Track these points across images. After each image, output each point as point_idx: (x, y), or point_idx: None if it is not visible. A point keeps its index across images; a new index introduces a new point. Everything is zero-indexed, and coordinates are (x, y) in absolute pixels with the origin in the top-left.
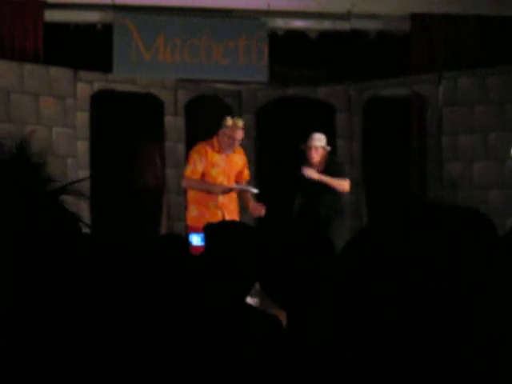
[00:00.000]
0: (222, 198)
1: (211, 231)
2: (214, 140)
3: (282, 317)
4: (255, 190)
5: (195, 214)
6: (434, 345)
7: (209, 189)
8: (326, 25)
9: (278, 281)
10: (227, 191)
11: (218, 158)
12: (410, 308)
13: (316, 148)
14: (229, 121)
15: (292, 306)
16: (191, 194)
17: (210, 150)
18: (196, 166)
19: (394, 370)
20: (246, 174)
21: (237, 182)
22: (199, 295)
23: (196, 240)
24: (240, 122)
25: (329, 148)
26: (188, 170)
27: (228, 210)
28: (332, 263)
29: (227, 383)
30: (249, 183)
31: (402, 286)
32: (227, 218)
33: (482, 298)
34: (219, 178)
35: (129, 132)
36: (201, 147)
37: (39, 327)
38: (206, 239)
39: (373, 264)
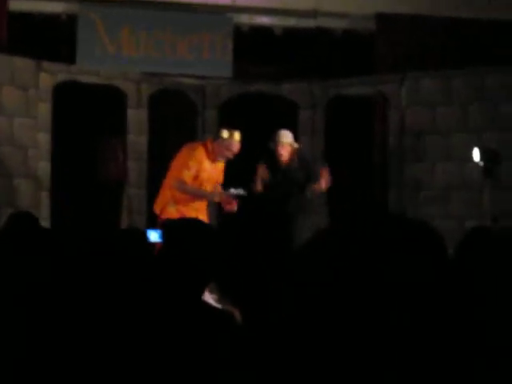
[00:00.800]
0: (199, 203)
1: (170, 228)
2: (209, 146)
3: (237, 314)
4: (244, 192)
5: (173, 210)
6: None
7: (205, 196)
8: (291, 22)
9: (233, 278)
10: (222, 197)
11: (208, 165)
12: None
13: (283, 145)
14: (225, 133)
15: (247, 302)
16: (173, 194)
17: (205, 158)
18: (191, 171)
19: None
20: (221, 178)
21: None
22: (156, 292)
23: (154, 236)
24: (237, 135)
25: (296, 145)
26: (185, 175)
27: (203, 212)
28: (288, 262)
29: (182, 382)
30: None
31: (350, 288)
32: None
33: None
34: (207, 184)
35: (91, 124)
36: (198, 154)
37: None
38: (165, 236)
39: (328, 267)
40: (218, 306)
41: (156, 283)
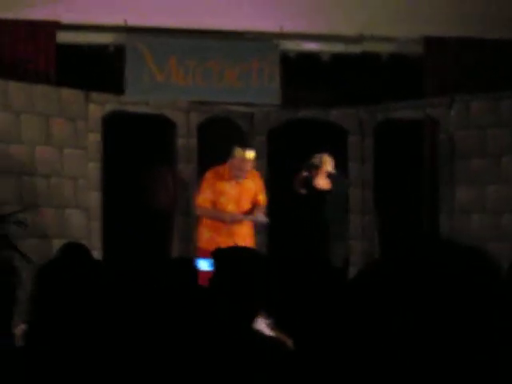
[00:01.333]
0: (234, 226)
1: (220, 256)
2: (225, 168)
3: (290, 344)
4: (265, 220)
5: (207, 236)
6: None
7: (219, 217)
8: (338, 47)
9: (285, 308)
10: (237, 221)
11: (228, 186)
12: (416, 342)
13: (322, 169)
14: (238, 152)
15: (299, 332)
16: (205, 221)
17: (217, 179)
18: (205, 195)
19: None
20: (262, 199)
21: (254, 207)
22: (207, 321)
23: (204, 265)
24: (250, 155)
25: (332, 171)
26: (199, 199)
27: (240, 234)
28: (339, 292)
29: None
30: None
31: (408, 319)
32: (239, 243)
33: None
34: (229, 206)
35: (141, 153)
36: (209, 176)
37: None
38: (215, 264)
39: (381, 298)
40: (271, 333)
41: (206, 312)
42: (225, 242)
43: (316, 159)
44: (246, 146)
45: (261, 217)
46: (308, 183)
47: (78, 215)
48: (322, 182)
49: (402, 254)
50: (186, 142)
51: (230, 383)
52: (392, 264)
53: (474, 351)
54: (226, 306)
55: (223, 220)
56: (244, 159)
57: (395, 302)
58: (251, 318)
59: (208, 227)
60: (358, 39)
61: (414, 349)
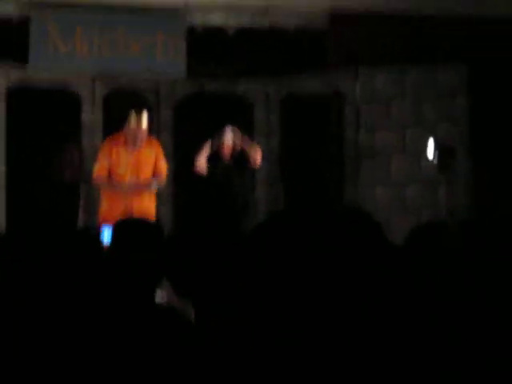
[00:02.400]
0: (132, 197)
1: (118, 227)
2: (120, 135)
3: (190, 311)
4: (155, 187)
5: (105, 208)
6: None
7: (114, 186)
8: (245, 20)
9: (185, 275)
10: (132, 189)
11: (124, 154)
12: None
13: (228, 144)
14: (132, 120)
15: (199, 299)
16: (103, 190)
17: (114, 147)
18: (102, 164)
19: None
20: (160, 165)
21: (154, 176)
22: (107, 291)
23: (108, 235)
24: (143, 122)
25: (239, 143)
26: (95, 169)
27: (139, 205)
28: (238, 248)
29: (135, 381)
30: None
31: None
32: (137, 214)
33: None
34: (127, 175)
35: (46, 126)
36: (105, 145)
37: None
38: (113, 235)
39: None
40: (169, 303)
41: (106, 283)
42: (123, 213)
43: (220, 133)
44: (142, 110)
45: (155, 184)
46: (214, 157)
47: None
48: (228, 155)
49: (300, 211)
50: (91, 114)
51: (134, 356)
52: (288, 218)
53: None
54: (125, 277)
55: (118, 189)
56: (139, 128)
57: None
58: (152, 289)
59: (106, 198)
60: (264, 12)
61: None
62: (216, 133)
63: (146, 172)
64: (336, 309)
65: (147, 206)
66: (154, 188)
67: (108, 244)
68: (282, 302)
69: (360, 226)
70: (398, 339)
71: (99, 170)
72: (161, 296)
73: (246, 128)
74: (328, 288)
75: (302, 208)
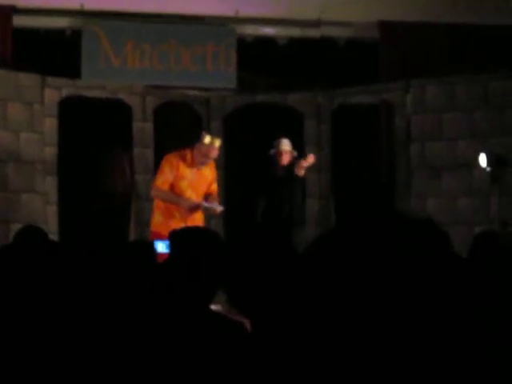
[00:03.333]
0: (186, 211)
1: (176, 237)
2: (188, 153)
3: (247, 323)
4: (220, 208)
5: (160, 220)
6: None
7: (177, 202)
8: (295, 32)
9: (242, 287)
10: (194, 208)
11: (188, 172)
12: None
13: (286, 152)
14: (207, 138)
15: (256, 312)
16: (158, 202)
17: (181, 163)
18: (166, 177)
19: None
20: (214, 187)
21: (206, 195)
22: (165, 302)
23: (161, 247)
24: (218, 142)
25: (296, 153)
26: (159, 181)
27: (192, 220)
28: (295, 269)
29: None
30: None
31: (361, 289)
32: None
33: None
34: (187, 191)
35: (97, 138)
36: (173, 158)
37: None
38: (171, 245)
39: (332, 266)
40: (228, 314)
41: (164, 293)
42: (177, 225)
43: (275, 143)
44: (204, 130)
45: (216, 205)
46: (271, 168)
47: (35, 200)
48: (285, 160)
49: (354, 227)
50: (141, 126)
51: (189, 364)
52: (344, 234)
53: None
54: (183, 287)
55: (180, 204)
56: (212, 146)
57: (349, 273)
58: (209, 299)
59: (160, 210)
60: (315, 24)
61: (369, 319)
62: (269, 143)
63: (203, 191)
64: (402, 324)
65: (198, 219)
66: (217, 209)
67: (162, 255)
68: (342, 315)
69: (430, 237)
70: (464, 350)
71: (163, 183)
72: (217, 308)
73: (297, 139)
74: (394, 302)
75: (361, 220)
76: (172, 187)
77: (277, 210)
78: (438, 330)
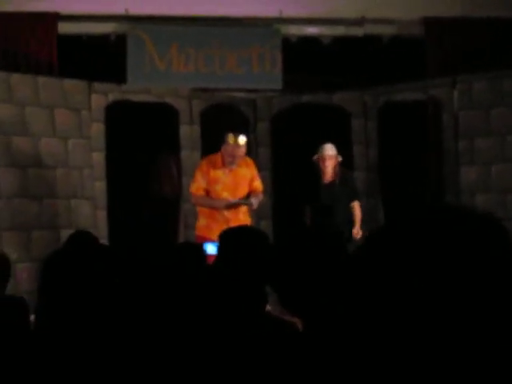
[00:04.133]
0: (228, 212)
1: (225, 238)
2: (218, 156)
3: (298, 323)
4: (251, 202)
5: (203, 223)
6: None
7: (212, 205)
8: (339, 30)
9: (293, 287)
10: (229, 206)
11: (221, 174)
12: (424, 308)
13: (330, 157)
14: (230, 138)
15: (308, 312)
16: (200, 208)
17: (211, 167)
18: (199, 183)
19: (407, 373)
20: (257, 185)
21: (248, 194)
22: (216, 303)
23: (210, 248)
24: (242, 140)
25: (340, 158)
26: (193, 188)
27: (236, 222)
28: (345, 269)
29: None
30: (263, 193)
31: (414, 287)
32: None
33: (492, 302)
34: (223, 194)
35: (144, 142)
36: (203, 164)
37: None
38: (221, 246)
39: (386, 265)
40: (280, 314)
41: (214, 295)
42: (220, 228)
43: (319, 148)
44: (241, 131)
45: (250, 200)
46: (317, 172)
47: (84, 205)
48: (329, 165)
49: (406, 224)
50: (189, 129)
51: (242, 366)
52: (396, 232)
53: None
54: (234, 288)
55: (216, 207)
56: (236, 145)
57: (403, 271)
58: (263, 300)
59: (204, 214)
60: (359, 22)
61: (425, 323)
62: (316, 143)
63: (242, 191)
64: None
65: (243, 221)
66: (253, 205)
67: (211, 256)
68: (395, 317)
69: (492, 233)
70: None
71: (197, 189)
72: (271, 308)
73: (344, 138)
74: (455, 304)
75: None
76: (208, 192)
77: (323, 215)
78: (506, 337)
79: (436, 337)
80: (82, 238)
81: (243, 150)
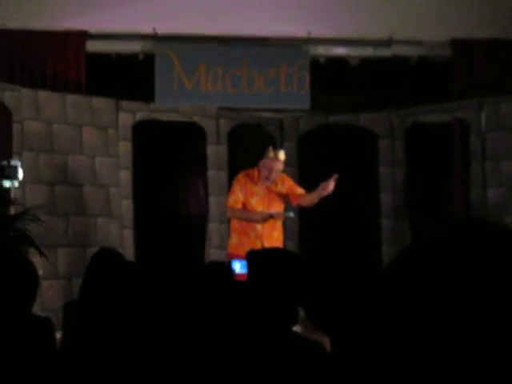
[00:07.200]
0: (262, 228)
1: (254, 258)
2: (255, 171)
3: (326, 342)
4: (292, 215)
5: (235, 241)
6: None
7: (249, 217)
8: (367, 51)
9: (321, 306)
10: (267, 218)
11: (257, 189)
12: (458, 329)
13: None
14: (271, 152)
15: (336, 331)
16: (233, 223)
17: (249, 181)
18: (237, 196)
19: None
20: (300, 191)
21: (299, 203)
22: (245, 323)
23: (238, 267)
24: (282, 155)
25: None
26: (230, 200)
27: (269, 239)
28: (374, 288)
29: None
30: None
31: (446, 306)
32: (267, 246)
33: None
34: (259, 208)
35: (171, 160)
36: (241, 177)
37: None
38: (249, 266)
39: (415, 286)
40: (307, 334)
41: (244, 315)
42: (253, 244)
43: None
44: (277, 148)
45: (286, 212)
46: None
47: (110, 223)
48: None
49: (436, 241)
50: (216, 148)
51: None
52: (426, 250)
53: None
54: (263, 308)
55: (253, 219)
56: (276, 159)
57: (433, 290)
58: (290, 320)
59: (237, 232)
60: (387, 43)
61: (457, 337)
62: (343, 164)
63: (277, 207)
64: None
65: (277, 239)
66: (292, 216)
67: (241, 275)
68: (427, 336)
69: None
70: None
71: (234, 202)
72: (298, 329)
73: (371, 159)
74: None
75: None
76: (244, 206)
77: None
78: None
79: (479, 360)
80: (108, 255)
81: (281, 165)
